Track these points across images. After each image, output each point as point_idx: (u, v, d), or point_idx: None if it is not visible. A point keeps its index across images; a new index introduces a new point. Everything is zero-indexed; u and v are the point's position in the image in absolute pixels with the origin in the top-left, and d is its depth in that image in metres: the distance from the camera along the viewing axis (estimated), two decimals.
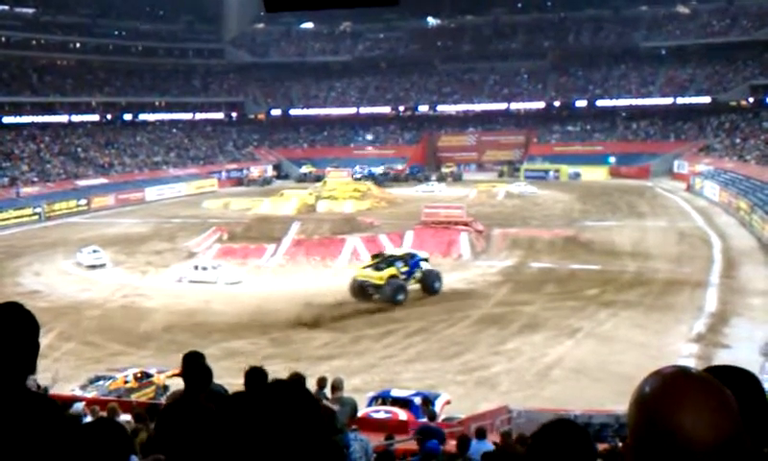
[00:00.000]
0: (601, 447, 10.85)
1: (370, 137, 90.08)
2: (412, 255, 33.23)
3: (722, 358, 21.97)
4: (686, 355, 23.42)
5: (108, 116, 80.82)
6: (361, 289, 31.39)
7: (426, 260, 33.39)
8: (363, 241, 41.88)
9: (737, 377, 1.85)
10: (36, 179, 64.77)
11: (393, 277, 31.30)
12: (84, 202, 62.47)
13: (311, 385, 8.80)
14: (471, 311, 29.81)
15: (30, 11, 78.19)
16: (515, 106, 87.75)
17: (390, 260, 32.42)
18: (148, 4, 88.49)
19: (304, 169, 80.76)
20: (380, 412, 17.74)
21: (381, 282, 30.94)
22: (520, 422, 16.70)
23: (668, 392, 1.43)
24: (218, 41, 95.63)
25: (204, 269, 36.64)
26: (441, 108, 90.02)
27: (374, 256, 33.78)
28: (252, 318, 30.11)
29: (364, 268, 32.48)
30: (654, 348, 24.26)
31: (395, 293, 30.83)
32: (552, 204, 58.50)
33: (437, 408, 18.17)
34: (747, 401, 1.73)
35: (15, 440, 2.15)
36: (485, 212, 52.34)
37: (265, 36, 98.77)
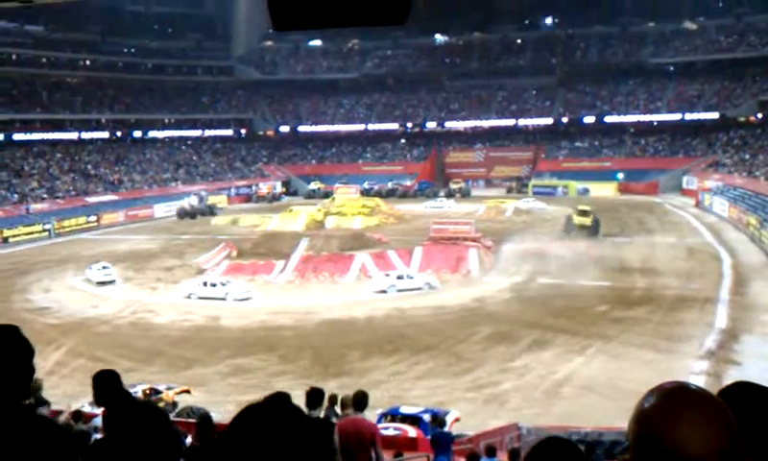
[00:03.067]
0: None
1: (378, 154, 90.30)
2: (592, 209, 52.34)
3: (733, 375, 21.82)
4: (697, 372, 23.29)
5: (118, 133, 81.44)
6: (575, 227, 50.00)
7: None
8: (372, 257, 41.91)
9: (756, 394, 1.84)
10: (45, 195, 65.12)
11: (593, 220, 50.02)
12: (93, 218, 62.76)
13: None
14: (480, 327, 29.76)
15: (40, 28, 78.88)
16: (523, 122, 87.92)
17: (588, 212, 51.01)
18: (157, 22, 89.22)
19: (313, 185, 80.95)
20: (390, 429, 17.67)
21: (590, 223, 49.72)
22: (530, 439, 16.60)
23: (666, 407, 1.45)
24: (227, 59, 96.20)
25: (214, 285, 36.70)
26: (449, 124, 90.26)
27: (580, 210, 51.49)
28: (258, 335, 30.14)
29: (577, 215, 50.84)
30: (664, 364, 24.13)
31: (597, 228, 49.60)
32: (561, 220, 58.31)
33: (446, 426, 18.09)
34: (764, 418, 1.73)
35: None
36: (493, 228, 52.34)
37: (274, 53, 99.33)
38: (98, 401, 4.48)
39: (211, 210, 65.21)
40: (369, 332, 30.02)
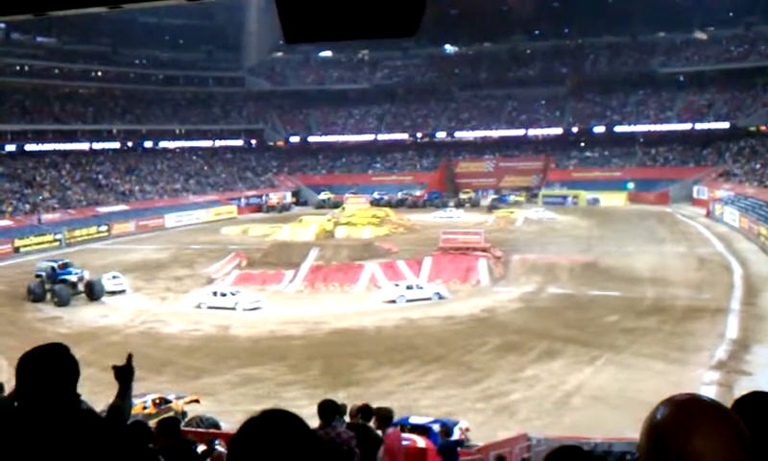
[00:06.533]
0: None
1: (388, 164, 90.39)
2: None
3: (744, 386, 21.69)
4: (708, 383, 23.17)
5: (129, 144, 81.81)
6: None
7: None
8: (381, 267, 41.92)
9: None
10: (57, 205, 65.38)
11: None
12: (104, 228, 62.96)
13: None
14: (490, 337, 29.69)
15: (52, 40, 79.46)
16: (532, 132, 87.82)
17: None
18: (169, 33, 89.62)
19: (323, 195, 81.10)
20: None
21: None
22: (540, 450, 16.54)
23: (679, 419, 1.44)
24: (237, 70, 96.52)
25: (223, 295, 36.77)
26: (459, 134, 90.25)
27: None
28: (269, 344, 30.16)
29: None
30: (674, 375, 24.00)
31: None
32: (571, 229, 58.24)
33: (455, 435, 18.04)
34: None
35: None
36: (503, 238, 52.25)
37: (284, 64, 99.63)
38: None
39: (92, 290, 38.55)
40: (378, 342, 30.00)
